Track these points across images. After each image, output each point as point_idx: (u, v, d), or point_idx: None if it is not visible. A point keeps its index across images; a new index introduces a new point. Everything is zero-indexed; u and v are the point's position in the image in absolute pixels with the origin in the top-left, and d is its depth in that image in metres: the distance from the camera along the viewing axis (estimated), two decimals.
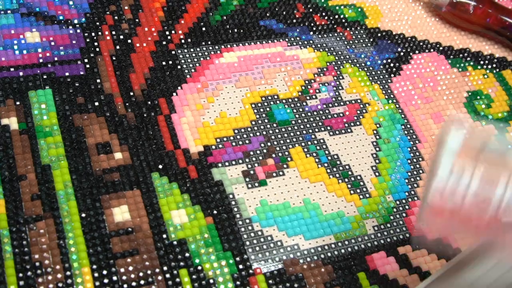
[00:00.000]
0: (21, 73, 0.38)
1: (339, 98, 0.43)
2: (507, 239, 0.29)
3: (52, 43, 0.40)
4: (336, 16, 0.48)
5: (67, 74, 0.39)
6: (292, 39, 0.46)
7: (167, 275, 0.32)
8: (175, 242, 0.33)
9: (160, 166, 0.36)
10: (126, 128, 0.38)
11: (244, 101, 0.41)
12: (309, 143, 0.40)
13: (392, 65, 0.46)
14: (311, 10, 0.48)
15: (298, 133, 0.40)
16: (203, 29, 0.44)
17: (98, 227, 0.33)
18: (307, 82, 0.43)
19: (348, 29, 0.48)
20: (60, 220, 0.33)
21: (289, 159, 0.39)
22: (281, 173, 0.38)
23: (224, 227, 0.35)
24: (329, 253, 0.35)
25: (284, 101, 0.42)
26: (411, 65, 0.47)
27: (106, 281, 0.31)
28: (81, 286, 0.31)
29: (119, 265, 0.32)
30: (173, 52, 0.42)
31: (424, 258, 0.36)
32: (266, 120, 0.40)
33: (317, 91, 0.43)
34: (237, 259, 0.34)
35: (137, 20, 0.43)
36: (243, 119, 0.40)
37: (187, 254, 0.33)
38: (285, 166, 0.38)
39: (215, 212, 0.35)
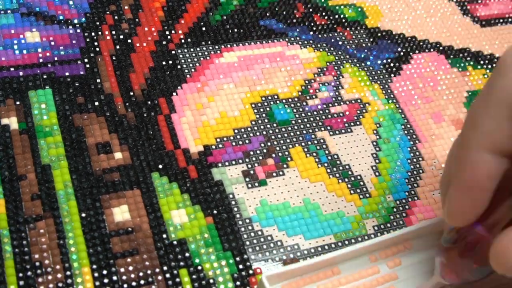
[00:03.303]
0: (21, 73, 0.38)
1: (339, 98, 0.43)
2: None
3: (52, 43, 0.40)
4: (336, 16, 0.48)
5: (67, 74, 0.39)
6: (292, 39, 0.46)
7: (167, 275, 0.32)
8: (175, 242, 0.33)
9: (160, 166, 0.36)
10: (126, 128, 0.38)
11: (244, 101, 0.41)
12: (309, 143, 0.40)
13: (392, 65, 0.46)
14: (311, 10, 0.48)
15: (298, 133, 0.40)
16: (203, 29, 0.44)
17: (98, 227, 0.33)
18: (307, 82, 0.43)
19: (348, 29, 0.48)
20: (60, 220, 0.33)
21: (289, 159, 0.39)
22: (281, 173, 0.38)
23: (224, 227, 0.35)
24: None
25: (284, 101, 0.42)
26: (411, 65, 0.47)
27: (106, 281, 0.31)
28: (81, 286, 0.31)
29: (119, 265, 0.32)
30: (173, 52, 0.42)
31: None
32: (266, 120, 0.40)
33: (317, 91, 0.43)
34: (237, 259, 0.34)
35: (137, 20, 0.43)
36: (243, 119, 0.40)
37: (187, 254, 0.33)
38: (285, 166, 0.38)
39: (215, 212, 0.35)
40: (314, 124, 0.41)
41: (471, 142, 0.26)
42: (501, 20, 0.53)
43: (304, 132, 0.40)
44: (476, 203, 0.27)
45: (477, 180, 0.26)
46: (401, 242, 0.34)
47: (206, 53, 0.43)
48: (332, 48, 0.46)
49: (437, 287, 0.31)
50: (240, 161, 0.38)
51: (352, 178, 0.39)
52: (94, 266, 0.32)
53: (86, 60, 0.40)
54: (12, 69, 0.38)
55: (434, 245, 0.33)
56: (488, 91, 0.26)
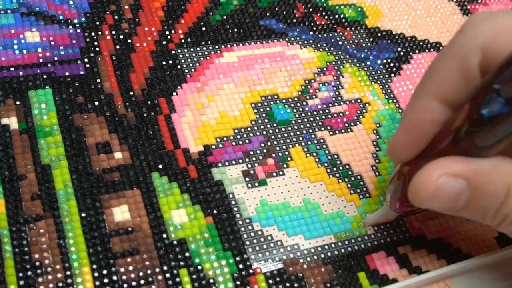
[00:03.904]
0: (21, 73, 0.38)
1: (339, 98, 0.43)
2: None
3: (52, 43, 0.40)
4: (336, 16, 0.48)
5: (67, 74, 0.39)
6: (292, 39, 0.46)
7: (167, 275, 0.32)
8: (175, 242, 0.33)
9: (160, 166, 0.36)
10: (126, 128, 0.38)
11: (244, 101, 0.41)
12: (309, 142, 0.40)
13: (392, 65, 0.46)
14: (311, 10, 0.48)
15: (298, 132, 0.40)
16: (203, 28, 0.44)
17: (98, 226, 0.33)
18: (307, 82, 0.43)
19: (348, 29, 0.48)
20: (60, 220, 0.33)
21: (289, 159, 0.39)
22: (281, 173, 0.38)
23: (224, 227, 0.35)
24: (329, 253, 0.35)
25: (284, 101, 0.42)
26: (411, 65, 0.47)
27: (106, 280, 0.31)
28: (81, 286, 0.31)
29: (119, 264, 0.32)
30: (173, 52, 0.42)
31: (424, 259, 0.36)
32: (266, 120, 0.40)
33: (317, 91, 0.43)
34: (237, 259, 0.34)
35: (137, 20, 0.43)
36: (243, 119, 0.40)
37: (187, 254, 0.33)
38: (285, 166, 0.38)
39: (215, 212, 0.35)
40: (314, 124, 0.41)
41: (423, 89, 0.28)
42: None
43: (304, 132, 0.40)
44: (414, 144, 0.29)
45: (421, 124, 0.28)
46: (441, 280, 0.35)
47: (206, 53, 0.43)
48: (332, 48, 0.46)
49: (384, 215, 0.36)
50: (240, 161, 0.38)
51: (352, 178, 0.39)
52: (94, 266, 0.32)
53: (86, 60, 0.40)
54: (12, 69, 0.38)
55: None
56: (448, 45, 0.28)
